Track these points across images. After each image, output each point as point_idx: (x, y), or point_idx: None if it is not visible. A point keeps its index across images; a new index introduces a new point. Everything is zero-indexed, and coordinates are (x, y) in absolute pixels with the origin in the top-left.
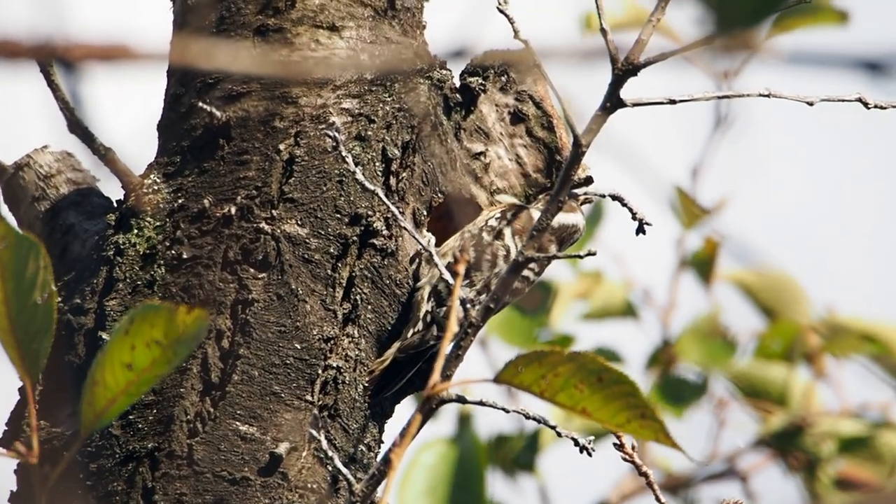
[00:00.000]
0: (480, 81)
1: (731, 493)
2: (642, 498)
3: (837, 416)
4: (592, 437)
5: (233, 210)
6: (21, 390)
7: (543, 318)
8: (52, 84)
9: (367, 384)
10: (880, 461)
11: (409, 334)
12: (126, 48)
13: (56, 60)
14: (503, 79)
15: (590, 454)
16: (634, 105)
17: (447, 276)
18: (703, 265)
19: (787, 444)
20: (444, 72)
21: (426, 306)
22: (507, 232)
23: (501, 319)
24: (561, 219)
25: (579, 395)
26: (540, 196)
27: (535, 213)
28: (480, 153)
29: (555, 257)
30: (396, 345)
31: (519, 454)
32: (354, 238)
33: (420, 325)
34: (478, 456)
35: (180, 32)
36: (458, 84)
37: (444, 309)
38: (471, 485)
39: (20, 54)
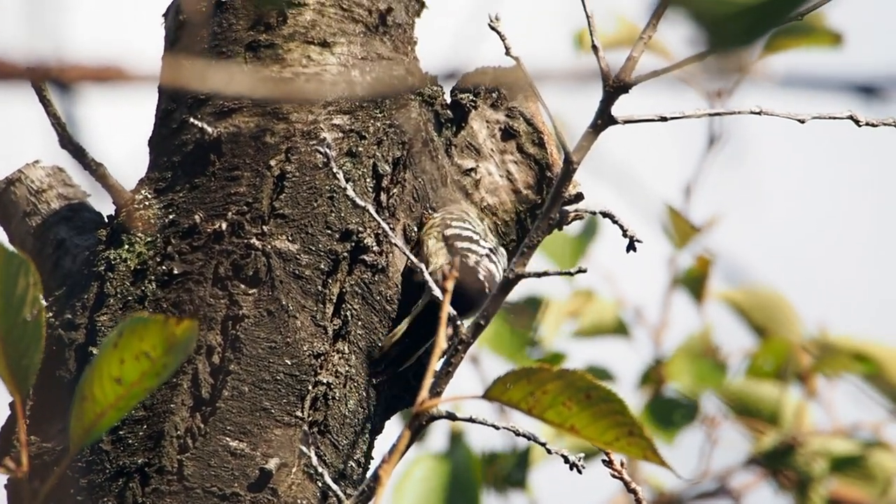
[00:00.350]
0: (471, 98)
1: None
2: None
3: (829, 436)
4: (582, 455)
5: (224, 226)
6: (11, 406)
7: (533, 333)
8: (43, 100)
9: (377, 361)
10: (872, 481)
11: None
12: (120, 70)
13: (50, 82)
14: (494, 95)
15: (580, 471)
16: (626, 122)
17: (438, 293)
18: (695, 284)
19: (779, 463)
20: (435, 88)
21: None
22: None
23: (493, 333)
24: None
25: (568, 412)
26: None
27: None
28: (471, 169)
29: (545, 274)
30: (407, 320)
31: (510, 471)
32: (345, 254)
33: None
34: (471, 471)
35: (172, 49)
36: (448, 100)
37: (449, 261)
38: (464, 500)
39: (14, 75)
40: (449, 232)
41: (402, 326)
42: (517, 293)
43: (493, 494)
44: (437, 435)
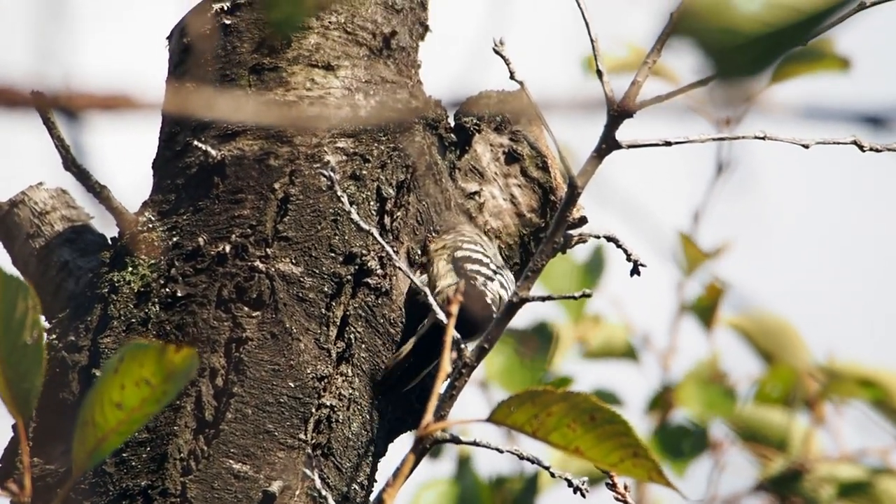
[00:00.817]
0: (475, 121)
1: None
2: None
3: (836, 462)
4: (586, 479)
5: (227, 248)
6: (14, 428)
7: (545, 367)
8: (48, 123)
9: (382, 381)
10: None
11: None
12: (126, 97)
13: (57, 109)
14: (498, 119)
15: (583, 495)
16: (630, 147)
17: (442, 316)
18: (704, 310)
19: (787, 489)
20: (439, 111)
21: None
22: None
23: (503, 368)
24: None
25: (572, 434)
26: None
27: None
28: (475, 193)
29: (549, 298)
30: (412, 340)
31: (518, 496)
32: (349, 277)
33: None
34: (480, 497)
35: (176, 72)
36: (452, 124)
37: (455, 283)
38: None
39: (20, 101)
40: (459, 254)
41: (408, 346)
42: (526, 320)
43: None
44: (445, 460)
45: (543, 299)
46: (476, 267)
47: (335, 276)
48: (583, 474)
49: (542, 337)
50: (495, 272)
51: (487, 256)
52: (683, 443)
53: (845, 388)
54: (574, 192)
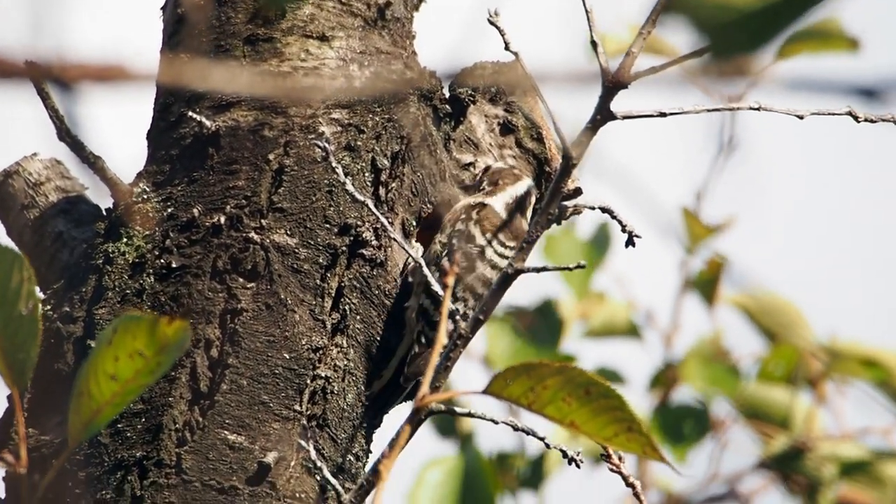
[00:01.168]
0: (470, 92)
1: None
2: None
3: (838, 441)
4: (580, 449)
5: (222, 219)
6: (9, 399)
7: (553, 347)
8: (42, 93)
9: (366, 403)
10: (881, 486)
11: (410, 358)
12: (120, 68)
13: (51, 80)
14: (493, 90)
15: (578, 466)
16: (625, 118)
17: (437, 288)
18: (706, 287)
19: (788, 467)
20: (434, 82)
21: (417, 326)
22: (476, 231)
23: (510, 351)
24: (512, 191)
25: (567, 407)
26: (485, 182)
27: (495, 204)
28: (470, 164)
29: (544, 269)
30: (393, 362)
31: (525, 477)
32: (343, 248)
33: (417, 348)
34: (484, 474)
35: (170, 43)
36: (447, 95)
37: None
38: (479, 502)
39: (14, 72)
40: (449, 229)
41: (388, 373)
42: (530, 299)
43: (505, 496)
44: (450, 438)
45: (538, 270)
46: (466, 243)
47: (330, 247)
48: (585, 451)
49: (548, 317)
50: (488, 247)
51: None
52: (686, 422)
53: (848, 367)
54: (569, 163)
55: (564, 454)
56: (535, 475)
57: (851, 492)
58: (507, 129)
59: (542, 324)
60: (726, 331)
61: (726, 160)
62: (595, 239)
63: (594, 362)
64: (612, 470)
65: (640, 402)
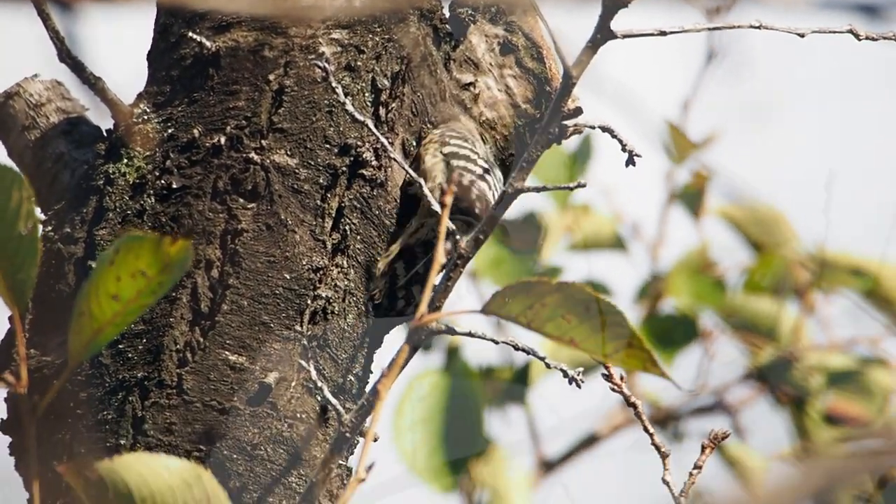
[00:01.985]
0: (470, 12)
1: (719, 427)
2: (631, 430)
3: (826, 351)
4: (581, 369)
5: (222, 140)
6: (10, 319)
7: (535, 258)
8: (42, 14)
9: (376, 283)
10: (869, 396)
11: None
12: None
13: (52, 1)
14: (493, 10)
15: (578, 386)
16: (625, 37)
17: (437, 207)
18: (692, 199)
19: (776, 378)
20: (434, 2)
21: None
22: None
23: (492, 260)
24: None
25: (567, 325)
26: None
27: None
28: (470, 84)
29: (544, 189)
30: (401, 239)
31: (508, 386)
32: (344, 168)
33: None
34: (471, 387)
35: None
36: (447, 14)
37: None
38: (466, 415)
39: None
40: (447, 150)
41: (395, 247)
42: (514, 211)
43: (491, 409)
44: (435, 352)
45: (538, 190)
46: (463, 164)
47: (330, 167)
48: (575, 364)
49: (532, 228)
50: (484, 170)
51: (476, 153)
52: (673, 332)
53: (835, 277)
54: (569, 83)
55: (565, 374)
56: (518, 385)
57: (840, 403)
58: (507, 48)
59: (528, 237)
60: (713, 242)
61: (716, 69)
62: (579, 152)
63: (580, 275)
64: (613, 389)
65: (627, 314)
